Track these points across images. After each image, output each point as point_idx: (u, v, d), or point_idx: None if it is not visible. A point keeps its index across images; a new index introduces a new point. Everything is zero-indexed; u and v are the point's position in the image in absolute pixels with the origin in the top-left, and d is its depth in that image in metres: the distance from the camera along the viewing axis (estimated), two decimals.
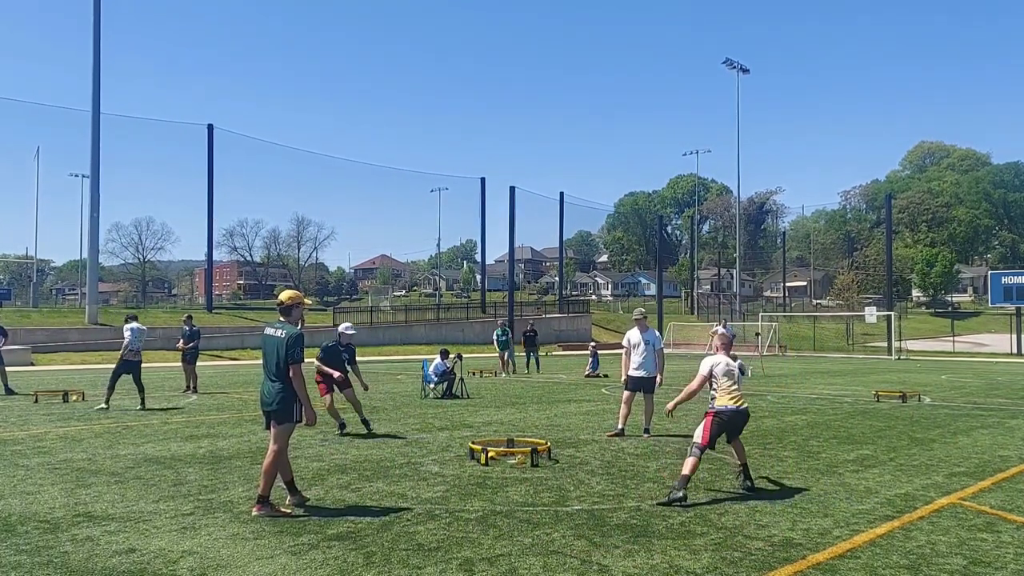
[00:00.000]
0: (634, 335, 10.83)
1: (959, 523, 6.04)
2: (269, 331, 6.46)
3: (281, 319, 6.50)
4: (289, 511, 6.23)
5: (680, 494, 6.52)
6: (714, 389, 7.15)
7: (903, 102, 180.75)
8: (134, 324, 14.54)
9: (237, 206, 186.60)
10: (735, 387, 7.15)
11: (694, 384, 7.23)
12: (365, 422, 11.03)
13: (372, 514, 6.19)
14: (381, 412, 13.67)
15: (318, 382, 10.91)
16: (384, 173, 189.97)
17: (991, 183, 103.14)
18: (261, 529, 5.73)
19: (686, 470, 6.67)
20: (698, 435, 6.90)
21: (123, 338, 14.49)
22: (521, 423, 12.41)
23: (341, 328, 11.57)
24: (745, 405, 7.18)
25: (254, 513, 6.12)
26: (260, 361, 6.62)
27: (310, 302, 7.20)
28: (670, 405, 7.45)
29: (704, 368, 7.22)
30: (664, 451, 9.50)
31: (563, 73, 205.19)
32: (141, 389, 14.16)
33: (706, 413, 7.04)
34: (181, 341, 17.64)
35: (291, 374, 6.20)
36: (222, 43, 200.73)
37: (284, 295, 6.65)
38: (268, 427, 6.42)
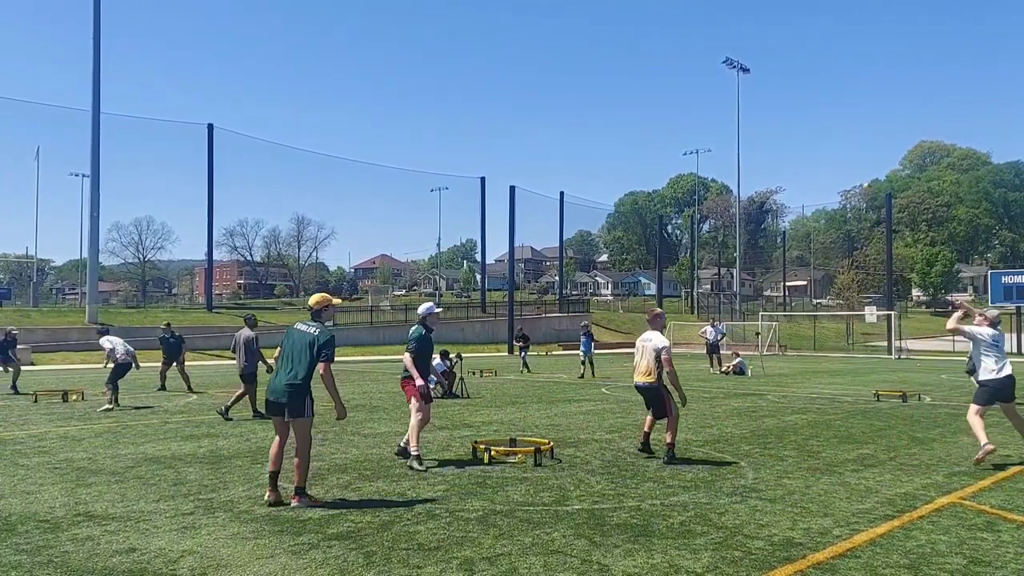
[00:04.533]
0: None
1: (959, 523, 6.03)
2: (300, 327, 6.66)
3: (312, 320, 6.73)
4: (321, 501, 6.51)
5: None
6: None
7: (903, 102, 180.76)
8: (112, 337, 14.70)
9: (237, 206, 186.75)
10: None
11: None
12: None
13: (372, 514, 6.19)
14: (381, 412, 13.69)
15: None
16: (384, 173, 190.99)
17: (991, 182, 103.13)
18: (261, 529, 5.73)
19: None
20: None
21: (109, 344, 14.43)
22: (521, 423, 12.41)
23: (423, 310, 8.86)
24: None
25: (293, 504, 6.37)
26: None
27: (339, 302, 7.36)
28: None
29: None
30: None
31: (563, 73, 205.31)
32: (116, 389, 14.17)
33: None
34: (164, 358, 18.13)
35: (323, 372, 6.39)
36: (222, 43, 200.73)
37: (313, 299, 6.90)
38: (270, 416, 6.62)
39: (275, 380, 6.54)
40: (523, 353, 28.11)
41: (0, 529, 5.73)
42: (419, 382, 8.36)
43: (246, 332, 13.28)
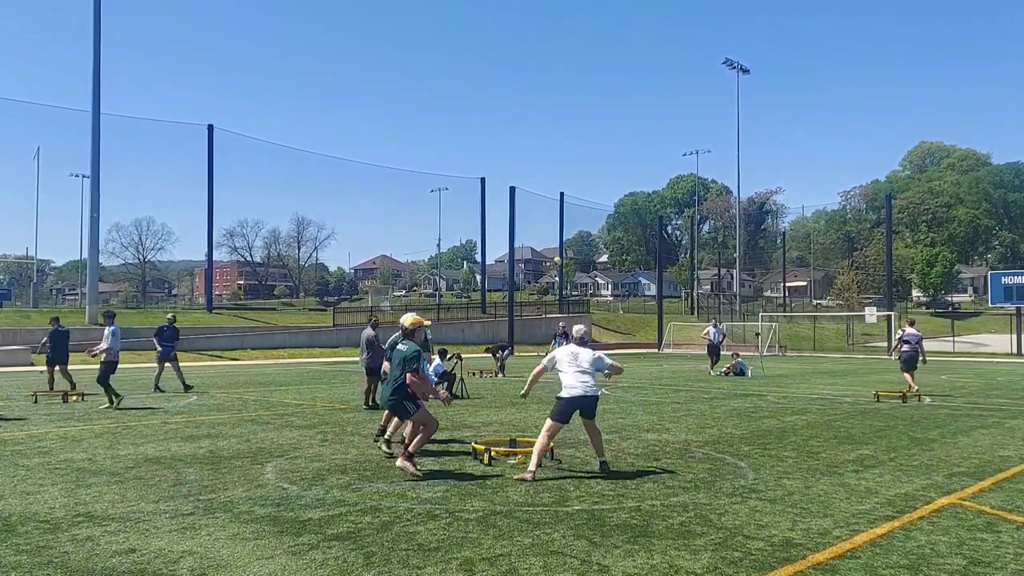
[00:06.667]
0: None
1: (959, 523, 6.04)
2: (400, 345, 8.14)
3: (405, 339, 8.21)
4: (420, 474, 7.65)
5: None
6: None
7: (903, 102, 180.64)
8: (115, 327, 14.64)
9: (237, 206, 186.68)
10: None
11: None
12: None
13: (372, 514, 6.20)
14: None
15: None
16: (384, 173, 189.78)
17: (991, 183, 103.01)
18: (261, 529, 5.73)
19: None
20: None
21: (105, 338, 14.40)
22: (521, 423, 12.42)
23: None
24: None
25: (398, 463, 7.71)
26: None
27: (428, 323, 8.79)
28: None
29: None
30: (664, 451, 9.50)
31: (563, 73, 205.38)
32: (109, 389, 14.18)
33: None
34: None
35: (408, 380, 7.79)
36: (222, 43, 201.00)
37: (408, 320, 8.31)
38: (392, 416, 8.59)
39: (384, 388, 8.33)
40: (506, 356, 26.56)
41: (0, 529, 5.73)
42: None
43: (369, 331, 14.51)
